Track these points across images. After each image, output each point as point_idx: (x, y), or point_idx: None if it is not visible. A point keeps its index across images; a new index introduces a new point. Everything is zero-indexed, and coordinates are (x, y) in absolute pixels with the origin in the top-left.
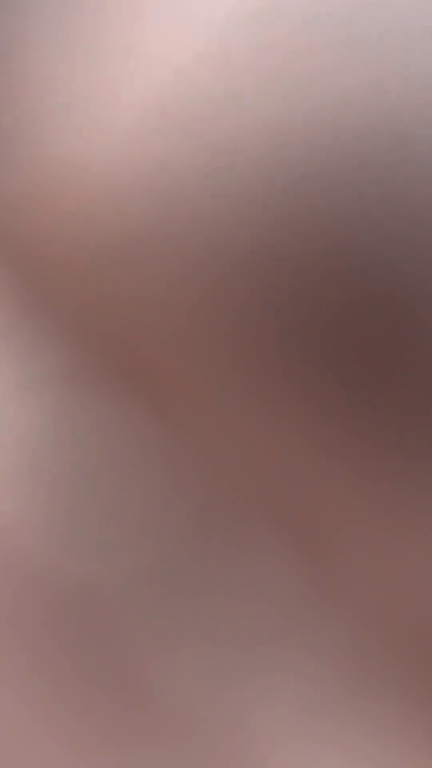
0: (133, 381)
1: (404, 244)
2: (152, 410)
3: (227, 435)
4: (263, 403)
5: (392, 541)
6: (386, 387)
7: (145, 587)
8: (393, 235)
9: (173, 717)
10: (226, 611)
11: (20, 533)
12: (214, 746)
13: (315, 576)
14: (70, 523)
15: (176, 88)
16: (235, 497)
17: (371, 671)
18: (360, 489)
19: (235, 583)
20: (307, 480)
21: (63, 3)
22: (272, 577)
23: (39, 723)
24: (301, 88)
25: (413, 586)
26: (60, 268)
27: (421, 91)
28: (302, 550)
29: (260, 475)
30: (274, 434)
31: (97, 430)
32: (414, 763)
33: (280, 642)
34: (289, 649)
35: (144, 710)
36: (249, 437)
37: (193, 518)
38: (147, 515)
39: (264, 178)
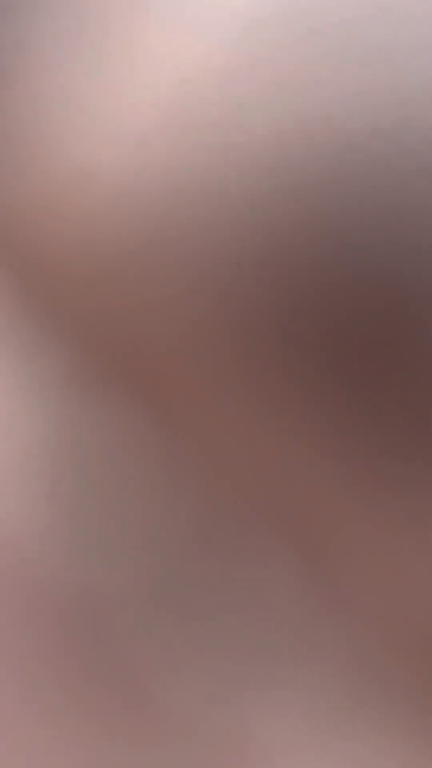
0: (134, 384)
1: (405, 249)
2: (153, 413)
3: (228, 437)
4: (263, 405)
5: (393, 543)
6: (386, 387)
7: (146, 593)
8: (394, 240)
9: (175, 725)
10: (227, 616)
11: (19, 535)
12: (216, 756)
13: (316, 580)
14: (69, 527)
15: (181, 95)
16: (236, 500)
17: (374, 680)
18: (360, 490)
19: (236, 588)
20: (308, 481)
21: (67, 10)
22: (273, 582)
23: (41, 729)
24: (305, 96)
25: (415, 589)
26: (63, 273)
27: (423, 100)
28: (303, 553)
29: (261, 477)
30: (275, 436)
31: (97, 433)
32: None
33: (283, 649)
34: (291, 656)
35: (145, 716)
36: (249, 440)
37: (194, 522)
38: (147, 519)
39: (268, 185)
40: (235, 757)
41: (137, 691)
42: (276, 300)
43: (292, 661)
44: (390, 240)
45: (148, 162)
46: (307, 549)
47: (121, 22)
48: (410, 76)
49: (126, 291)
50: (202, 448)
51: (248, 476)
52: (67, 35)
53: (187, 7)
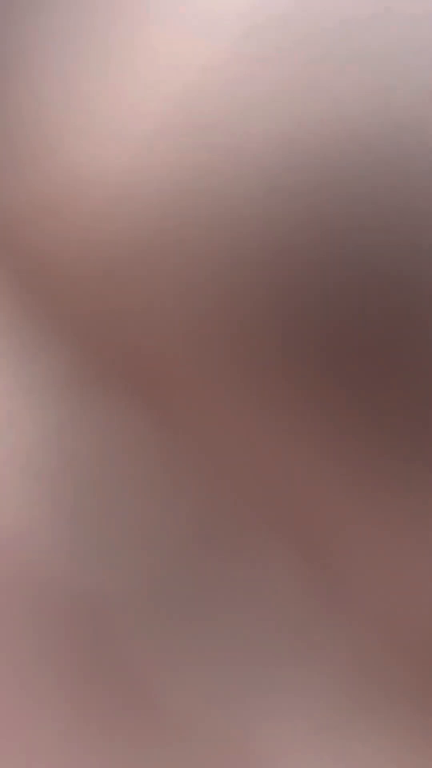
0: (134, 384)
1: (405, 250)
2: (153, 413)
3: (228, 437)
4: (263, 405)
5: (393, 543)
6: (386, 387)
7: (146, 593)
8: (394, 242)
9: (175, 725)
10: (228, 616)
11: (20, 536)
12: (216, 757)
13: (316, 580)
14: (70, 529)
15: (183, 97)
16: (236, 500)
17: (374, 680)
18: (360, 490)
19: (237, 588)
20: (308, 481)
21: (71, 12)
22: (273, 581)
23: (42, 730)
24: (308, 98)
25: (415, 589)
26: (64, 274)
27: (425, 101)
28: (303, 553)
29: (261, 477)
30: (275, 436)
31: (98, 433)
32: None
33: (283, 649)
34: (291, 656)
35: (145, 717)
36: (249, 440)
37: (194, 522)
38: (148, 519)
39: (271, 188)
40: (236, 758)
41: (138, 692)
42: (276, 301)
43: (293, 661)
44: (390, 241)
45: (149, 163)
46: (307, 549)
47: (123, 23)
48: (413, 77)
49: (127, 292)
50: (202, 448)
51: (248, 476)
52: (69, 37)
53: (189, 8)
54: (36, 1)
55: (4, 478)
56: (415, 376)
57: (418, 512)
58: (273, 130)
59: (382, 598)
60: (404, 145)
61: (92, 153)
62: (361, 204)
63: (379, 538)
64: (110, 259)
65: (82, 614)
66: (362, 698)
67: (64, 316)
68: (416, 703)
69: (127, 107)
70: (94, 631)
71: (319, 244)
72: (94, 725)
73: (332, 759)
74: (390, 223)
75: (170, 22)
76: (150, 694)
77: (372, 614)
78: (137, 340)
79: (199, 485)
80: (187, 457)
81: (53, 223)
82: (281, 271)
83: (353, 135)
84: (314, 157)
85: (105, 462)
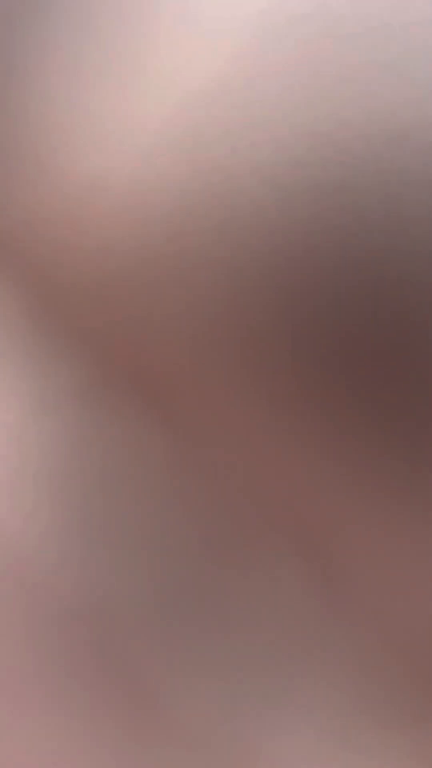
0: (140, 390)
1: (408, 256)
2: (159, 419)
3: (235, 444)
4: (272, 412)
5: (393, 543)
6: (386, 388)
7: (152, 601)
8: (398, 247)
9: (180, 735)
10: (232, 623)
11: (27, 545)
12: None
13: (319, 583)
14: (77, 536)
15: (188, 107)
16: (243, 508)
17: (380, 688)
18: (361, 490)
19: (241, 596)
20: (313, 486)
21: (74, 22)
22: (277, 586)
23: (43, 739)
24: (313, 108)
25: (415, 589)
26: (70, 284)
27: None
28: (308, 557)
29: (270, 485)
30: (283, 442)
31: (104, 440)
32: None
33: (288, 658)
34: (297, 665)
35: (149, 727)
36: (257, 447)
37: (200, 530)
38: (153, 527)
39: (275, 196)
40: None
41: (140, 701)
42: (282, 308)
43: (298, 670)
44: (394, 247)
45: (155, 174)
46: (310, 551)
47: (126, 32)
48: (419, 86)
49: (132, 300)
50: (208, 454)
51: (256, 483)
52: (74, 48)
53: (194, 19)
54: (40, 12)
55: (11, 486)
56: (415, 377)
57: (419, 513)
58: (277, 138)
59: (384, 599)
60: (410, 153)
61: (96, 162)
62: (366, 210)
63: (381, 538)
64: (115, 268)
65: (88, 622)
66: (368, 707)
67: (70, 324)
68: (422, 713)
69: (131, 116)
70: (99, 640)
71: (323, 251)
72: (92, 732)
73: None
74: (395, 229)
75: (174, 33)
76: (152, 703)
77: (374, 616)
78: (143, 348)
79: (205, 491)
80: (193, 463)
81: (57, 233)
82: (285, 279)
83: (359, 142)
84: (319, 164)
85: (111, 468)
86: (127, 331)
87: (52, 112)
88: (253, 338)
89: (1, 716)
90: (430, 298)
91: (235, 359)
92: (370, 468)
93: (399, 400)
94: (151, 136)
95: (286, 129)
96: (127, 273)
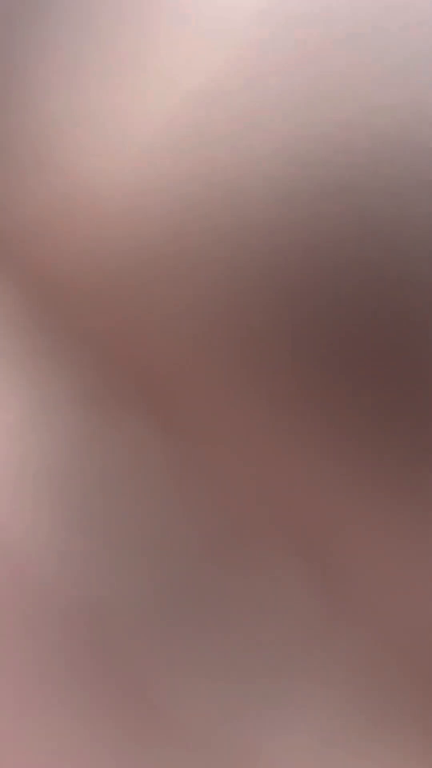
0: (139, 393)
1: (410, 257)
2: (159, 422)
3: (236, 446)
4: (272, 414)
5: (394, 543)
6: (386, 388)
7: (151, 603)
8: (398, 249)
9: (180, 738)
10: (231, 624)
11: (26, 547)
12: None
13: (320, 585)
14: (76, 538)
15: (188, 109)
16: (243, 510)
17: (381, 693)
18: (361, 491)
19: (241, 598)
20: (314, 487)
21: (74, 24)
22: (278, 589)
23: (43, 739)
24: (314, 110)
25: (415, 589)
26: (69, 287)
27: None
28: (308, 558)
29: (270, 487)
30: (283, 443)
31: (104, 442)
32: None
33: (289, 660)
34: (297, 667)
35: (149, 730)
36: (258, 449)
37: (200, 532)
38: (152, 529)
39: (275, 198)
40: None
41: (140, 701)
42: (282, 308)
43: (298, 670)
44: (394, 247)
45: (155, 174)
46: (310, 552)
47: (127, 33)
48: (420, 90)
49: (134, 301)
50: (208, 455)
51: (256, 485)
52: (74, 50)
53: (193, 19)
54: (39, 12)
55: (11, 487)
56: (415, 377)
57: (419, 513)
58: (278, 140)
59: (384, 599)
60: (410, 153)
61: (96, 162)
62: (366, 210)
63: (381, 538)
64: (116, 271)
65: (88, 622)
66: (369, 710)
67: (70, 324)
68: (422, 712)
69: (131, 116)
70: (98, 642)
71: (323, 251)
72: (93, 736)
73: None
74: (395, 229)
75: (174, 33)
76: (152, 707)
77: (374, 616)
78: (143, 348)
79: (205, 491)
80: (193, 463)
81: (57, 233)
82: (285, 279)
83: (359, 143)
84: (319, 164)
85: (111, 468)
86: (127, 331)
87: (52, 111)
88: (253, 338)
89: (1, 716)
90: (430, 298)
91: (235, 359)
92: (370, 468)
93: (399, 400)
94: (151, 136)
95: (286, 129)
96: (127, 273)
